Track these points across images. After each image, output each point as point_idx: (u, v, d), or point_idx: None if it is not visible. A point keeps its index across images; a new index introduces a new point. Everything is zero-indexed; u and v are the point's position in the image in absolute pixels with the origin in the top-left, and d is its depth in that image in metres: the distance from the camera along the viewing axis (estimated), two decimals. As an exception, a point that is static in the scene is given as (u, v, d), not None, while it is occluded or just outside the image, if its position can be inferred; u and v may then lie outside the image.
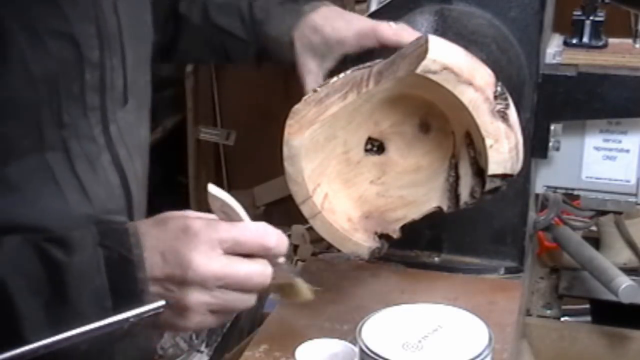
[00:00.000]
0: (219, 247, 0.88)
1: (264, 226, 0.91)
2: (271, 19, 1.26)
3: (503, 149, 1.03)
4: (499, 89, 1.03)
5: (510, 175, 1.06)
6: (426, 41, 1.02)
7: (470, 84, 1.01)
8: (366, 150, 1.14)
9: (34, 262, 0.87)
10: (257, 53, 1.30)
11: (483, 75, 1.03)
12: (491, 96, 1.02)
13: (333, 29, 1.21)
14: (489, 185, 1.06)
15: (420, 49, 1.02)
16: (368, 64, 1.09)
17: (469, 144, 1.08)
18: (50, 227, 0.94)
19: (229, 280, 0.88)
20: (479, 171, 1.07)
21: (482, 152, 1.04)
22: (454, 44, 1.04)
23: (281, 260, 0.93)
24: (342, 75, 1.08)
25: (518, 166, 1.06)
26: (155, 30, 1.16)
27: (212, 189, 0.89)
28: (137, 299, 0.87)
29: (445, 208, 1.11)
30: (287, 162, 1.08)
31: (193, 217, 0.90)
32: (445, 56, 1.01)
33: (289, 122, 1.07)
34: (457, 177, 1.10)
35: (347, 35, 1.20)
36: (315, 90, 1.08)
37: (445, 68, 1.01)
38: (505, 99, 1.03)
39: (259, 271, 0.90)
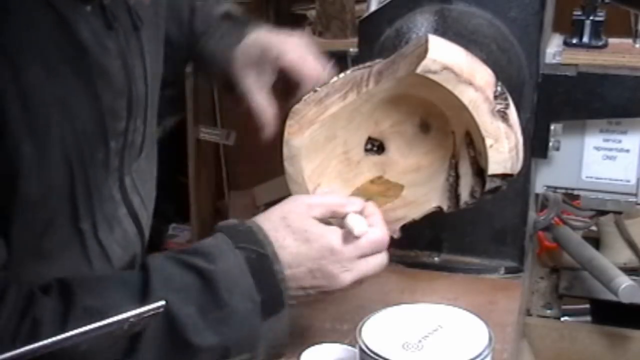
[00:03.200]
0: (357, 258, 1.00)
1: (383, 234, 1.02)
2: (211, 34, 1.26)
3: (503, 148, 1.03)
4: (499, 88, 1.03)
5: (510, 175, 1.05)
6: (426, 41, 1.02)
7: (470, 83, 1.01)
8: (366, 150, 1.14)
9: (184, 275, 0.94)
10: (185, 61, 1.31)
11: (483, 75, 1.03)
12: (491, 96, 1.02)
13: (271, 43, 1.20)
14: (489, 185, 1.06)
15: (420, 49, 1.02)
16: (368, 63, 1.08)
17: (469, 144, 1.07)
18: None
19: (365, 277, 1.01)
20: (479, 171, 1.07)
21: (482, 152, 1.04)
22: (454, 44, 1.04)
23: None
24: (342, 75, 1.08)
25: (518, 166, 1.06)
26: None
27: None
28: (279, 290, 0.97)
29: (445, 208, 1.11)
30: (287, 162, 1.08)
31: (336, 232, 1.00)
32: (445, 56, 1.01)
33: (289, 122, 1.07)
34: (457, 177, 1.10)
35: (284, 49, 1.19)
36: (315, 90, 1.08)
37: (445, 68, 1.01)
38: (505, 98, 1.03)
39: (383, 263, 1.03)
